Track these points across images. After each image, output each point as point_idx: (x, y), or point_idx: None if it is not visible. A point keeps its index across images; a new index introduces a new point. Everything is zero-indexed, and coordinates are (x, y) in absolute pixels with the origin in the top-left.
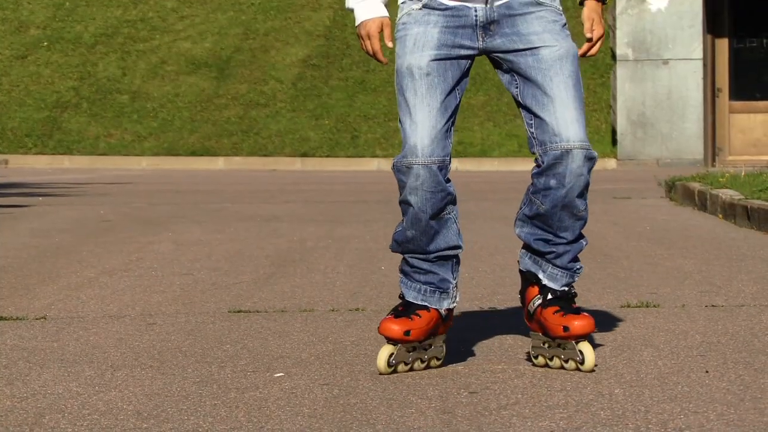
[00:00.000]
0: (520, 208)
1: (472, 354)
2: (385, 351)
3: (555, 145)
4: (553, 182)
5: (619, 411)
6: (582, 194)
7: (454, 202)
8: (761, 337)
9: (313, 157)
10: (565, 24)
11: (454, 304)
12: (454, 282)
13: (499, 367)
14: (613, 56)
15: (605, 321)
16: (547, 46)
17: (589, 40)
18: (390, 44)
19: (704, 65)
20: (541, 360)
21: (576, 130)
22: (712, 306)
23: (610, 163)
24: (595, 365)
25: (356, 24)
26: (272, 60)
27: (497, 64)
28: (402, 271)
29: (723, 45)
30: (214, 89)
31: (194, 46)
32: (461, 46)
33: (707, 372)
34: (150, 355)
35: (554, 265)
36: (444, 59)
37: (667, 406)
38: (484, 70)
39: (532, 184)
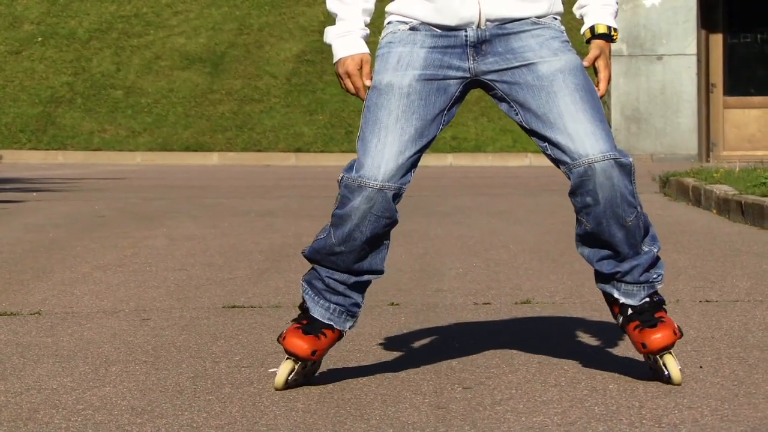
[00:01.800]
0: (576, 228)
1: (466, 349)
2: (287, 368)
3: (575, 163)
4: (589, 200)
5: (614, 406)
6: (624, 202)
7: (394, 225)
8: (755, 333)
9: (307, 152)
10: (566, 40)
11: (354, 327)
12: (362, 306)
13: (493, 362)
14: None
15: (600, 317)
16: (546, 60)
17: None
18: (368, 82)
19: (698, 61)
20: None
21: (593, 143)
22: (707, 301)
23: None
24: (681, 380)
25: (334, 61)
26: (266, 55)
27: (493, 92)
28: (310, 284)
29: (717, 40)
30: (209, 85)
31: (188, 41)
32: (450, 67)
33: (701, 367)
34: (144, 350)
35: (626, 282)
36: (430, 80)
37: (661, 401)
38: None
39: (573, 206)
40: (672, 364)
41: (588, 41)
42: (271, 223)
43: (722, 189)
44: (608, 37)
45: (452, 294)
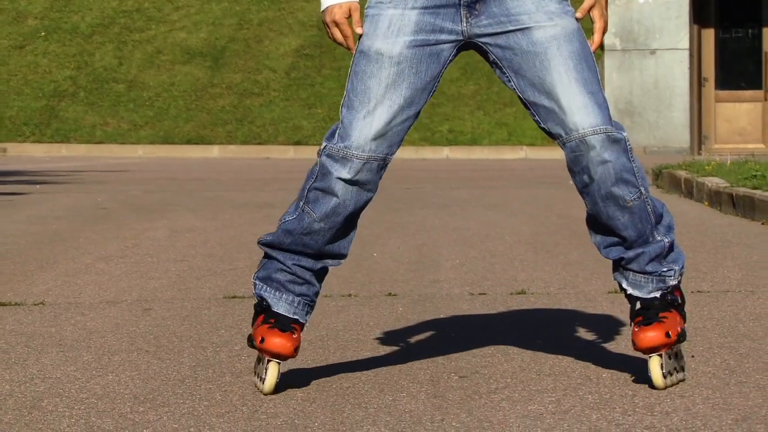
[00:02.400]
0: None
1: (462, 339)
2: (274, 371)
3: (568, 136)
4: (585, 178)
5: (607, 395)
6: (621, 181)
7: (370, 200)
8: (746, 323)
9: (306, 145)
10: (562, 0)
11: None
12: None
13: (488, 352)
14: (601, 46)
15: (594, 307)
16: (541, 26)
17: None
18: (359, 30)
19: (690, 55)
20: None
21: (583, 117)
22: (698, 292)
23: None
24: (665, 386)
25: (321, 10)
26: (266, 50)
27: (486, 56)
28: (269, 279)
29: (709, 35)
30: (209, 79)
31: (189, 36)
32: (442, 30)
33: (693, 356)
34: (146, 340)
35: (633, 271)
36: (421, 45)
37: (653, 390)
38: (474, 60)
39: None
40: (655, 368)
41: None
42: (271, 214)
43: (714, 181)
44: None
45: (449, 284)
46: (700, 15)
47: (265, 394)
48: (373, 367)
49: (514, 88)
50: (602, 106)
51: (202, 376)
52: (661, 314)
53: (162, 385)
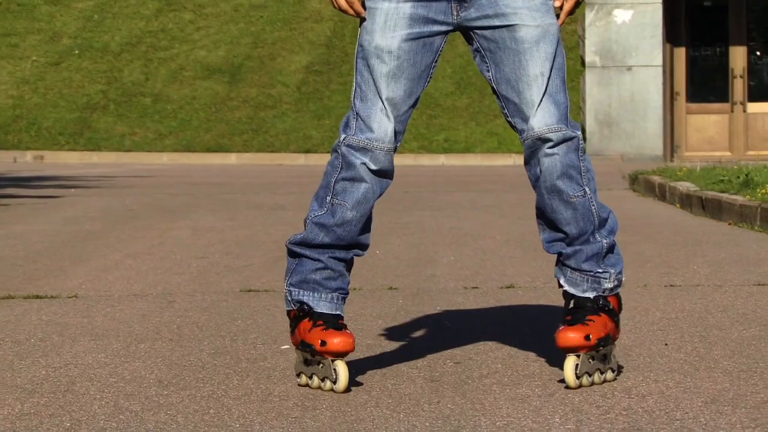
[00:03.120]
0: None
1: (457, 328)
2: (345, 367)
3: (529, 133)
4: (536, 170)
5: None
6: (566, 175)
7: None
8: (714, 314)
9: (315, 153)
10: None
11: None
12: None
13: (480, 340)
14: (583, 63)
15: None
16: (525, 25)
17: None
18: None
19: (664, 71)
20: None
21: (543, 116)
22: (671, 286)
23: None
24: (576, 385)
25: None
26: (279, 66)
27: (471, 42)
28: (304, 283)
29: (680, 53)
30: (227, 92)
31: (209, 54)
32: (434, 22)
33: (666, 344)
34: (170, 329)
35: (571, 267)
36: (416, 38)
37: (631, 374)
38: (468, 75)
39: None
40: (568, 367)
41: None
42: (283, 215)
43: (685, 186)
44: None
45: (444, 279)
46: (672, 35)
47: (340, 392)
48: (376, 354)
49: (489, 79)
50: (560, 106)
51: (221, 363)
52: (588, 316)
53: (184, 371)
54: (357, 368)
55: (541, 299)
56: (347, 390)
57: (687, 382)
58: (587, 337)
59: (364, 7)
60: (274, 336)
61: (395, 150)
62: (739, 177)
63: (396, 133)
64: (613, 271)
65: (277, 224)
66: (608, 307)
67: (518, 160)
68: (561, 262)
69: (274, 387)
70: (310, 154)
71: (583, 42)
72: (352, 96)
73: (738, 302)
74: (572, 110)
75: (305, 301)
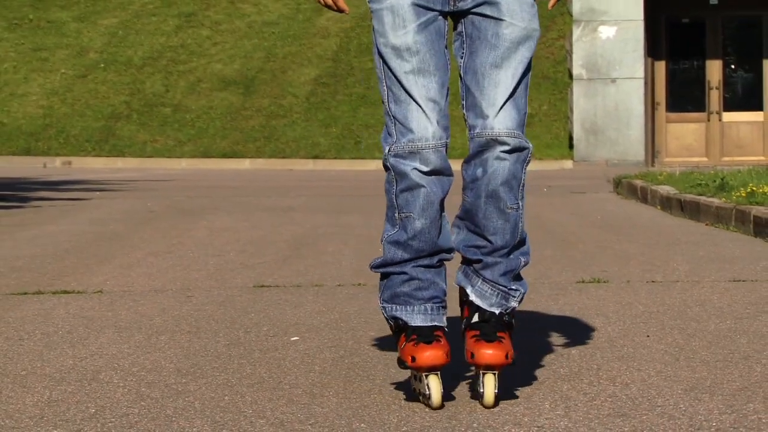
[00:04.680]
0: (460, 209)
1: (453, 322)
2: (437, 383)
3: (484, 131)
4: (479, 171)
5: (576, 368)
6: (508, 184)
7: (450, 186)
8: (693, 308)
9: (323, 159)
10: (534, 3)
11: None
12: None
13: None
14: (570, 76)
15: (564, 295)
16: (512, 24)
17: None
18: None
19: (645, 83)
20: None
21: (508, 122)
22: (653, 282)
23: (568, 164)
24: (495, 405)
25: None
26: (289, 79)
27: (456, 26)
28: (395, 298)
29: (661, 66)
30: (241, 103)
31: (225, 67)
32: (433, 9)
33: (648, 336)
34: (188, 322)
35: (484, 278)
36: (427, 25)
37: (615, 364)
38: None
39: (462, 179)
40: (489, 385)
41: None
42: (293, 217)
43: (665, 189)
44: None
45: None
46: (653, 50)
47: (435, 408)
48: (379, 346)
49: (460, 65)
50: (521, 112)
51: (235, 353)
52: (499, 333)
53: (201, 361)
54: (362, 358)
55: (531, 294)
56: (441, 406)
57: (667, 371)
58: (507, 356)
59: (372, 12)
60: (284, 328)
61: (446, 146)
62: (715, 181)
63: (441, 128)
64: (522, 291)
65: (288, 225)
66: (512, 324)
67: None
68: (474, 270)
69: (284, 376)
70: (318, 159)
71: (571, 56)
72: (386, 101)
73: (714, 297)
74: (561, 119)
75: (399, 316)
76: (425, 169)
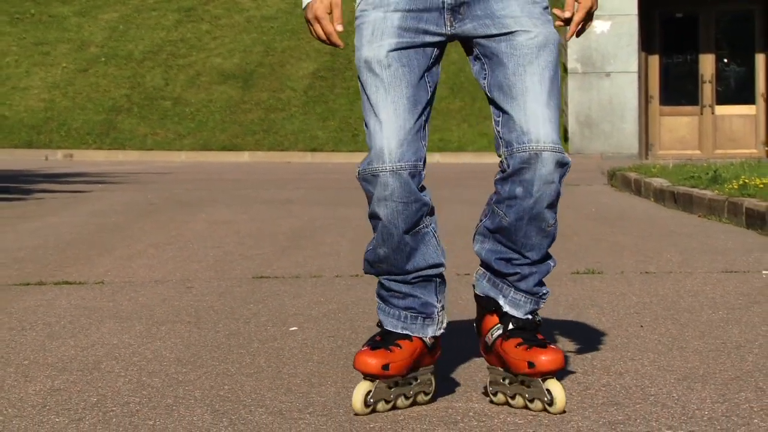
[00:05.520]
0: (480, 221)
1: (452, 312)
2: (362, 388)
3: (523, 146)
4: (519, 190)
5: (570, 358)
6: (552, 205)
7: (431, 213)
8: (686, 298)
9: (321, 151)
10: (546, 7)
11: (441, 331)
12: (440, 305)
13: (466, 320)
14: (565, 69)
15: (559, 286)
16: (525, 31)
17: (566, 21)
18: (340, 27)
19: (639, 77)
20: (500, 397)
21: (548, 131)
22: (646, 272)
23: None
24: (565, 408)
25: (303, 7)
26: (288, 73)
27: (468, 49)
28: (379, 296)
29: (654, 60)
30: (241, 96)
31: (224, 61)
32: (426, 32)
33: (642, 326)
34: (188, 312)
35: (517, 289)
36: (407, 48)
37: (608, 354)
38: (461, 81)
39: (495, 192)
40: (558, 390)
41: None
42: (291, 209)
43: (658, 181)
44: None
45: None
46: (646, 44)
47: (356, 413)
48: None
49: (484, 86)
50: (557, 125)
51: (234, 343)
52: (539, 336)
53: (201, 350)
54: (359, 347)
55: None
56: (364, 412)
57: (660, 360)
58: (564, 357)
59: (356, 26)
60: (283, 319)
61: (413, 170)
62: (708, 173)
63: (406, 149)
64: (548, 290)
65: (286, 217)
66: (541, 323)
67: None
68: (507, 280)
69: (283, 365)
70: (316, 152)
71: (566, 50)
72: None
73: (707, 288)
74: None
75: (378, 314)
76: (382, 194)
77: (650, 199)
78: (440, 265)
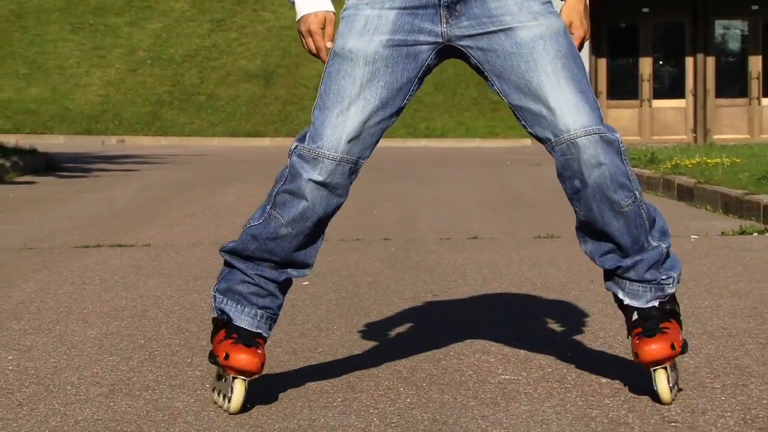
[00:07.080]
0: (576, 219)
1: (434, 269)
2: (241, 389)
3: (557, 139)
4: (576, 183)
5: (531, 309)
6: (615, 185)
7: (338, 209)
8: None
9: None
10: (547, 1)
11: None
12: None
13: (452, 278)
14: None
15: (525, 248)
16: (525, 25)
17: None
18: (330, 44)
19: (590, 76)
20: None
21: (575, 117)
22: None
23: (527, 142)
24: (671, 400)
25: (296, 19)
26: (302, 73)
27: (468, 61)
28: (230, 291)
29: (602, 63)
30: (263, 92)
31: (249, 63)
32: (421, 31)
33: (592, 281)
34: (219, 268)
35: (631, 279)
36: (399, 45)
37: (563, 305)
38: (443, 79)
39: (565, 193)
40: (662, 381)
41: None
42: None
43: None
44: None
45: (425, 232)
46: (596, 49)
47: (232, 414)
48: (374, 290)
49: (498, 92)
50: (593, 106)
51: None
52: (662, 325)
53: None
54: (359, 299)
55: (498, 247)
56: (237, 412)
57: (607, 309)
58: (672, 346)
59: (344, 18)
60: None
61: (354, 167)
62: (646, 156)
63: (352, 142)
64: (675, 275)
65: None
66: (675, 310)
67: (481, 143)
68: (617, 275)
69: (297, 313)
70: None
71: None
72: (313, 107)
73: None
74: None
75: (227, 311)
76: (319, 179)
77: None
78: (311, 266)
